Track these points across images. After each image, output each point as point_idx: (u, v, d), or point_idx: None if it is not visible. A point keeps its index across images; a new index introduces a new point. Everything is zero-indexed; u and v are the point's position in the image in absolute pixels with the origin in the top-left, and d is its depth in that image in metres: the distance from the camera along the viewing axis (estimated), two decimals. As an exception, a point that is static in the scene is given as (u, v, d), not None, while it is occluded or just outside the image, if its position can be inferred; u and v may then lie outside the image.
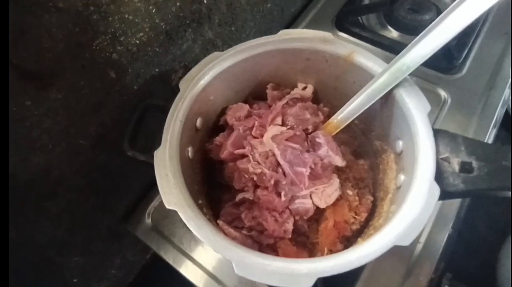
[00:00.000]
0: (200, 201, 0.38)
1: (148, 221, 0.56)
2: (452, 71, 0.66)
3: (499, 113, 0.62)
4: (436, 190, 0.30)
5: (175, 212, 0.31)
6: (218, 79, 0.42)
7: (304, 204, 0.39)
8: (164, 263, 0.52)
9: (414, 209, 0.29)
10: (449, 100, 0.63)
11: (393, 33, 0.75)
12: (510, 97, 0.66)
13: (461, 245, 0.57)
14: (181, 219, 0.31)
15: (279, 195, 0.40)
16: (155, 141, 0.38)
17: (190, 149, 0.40)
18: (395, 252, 0.29)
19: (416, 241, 0.48)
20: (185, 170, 0.36)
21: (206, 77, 0.40)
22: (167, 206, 0.31)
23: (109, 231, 0.57)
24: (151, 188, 0.58)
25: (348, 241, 0.42)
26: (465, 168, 0.32)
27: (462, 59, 0.67)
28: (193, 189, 0.37)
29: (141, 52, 0.45)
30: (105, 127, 0.46)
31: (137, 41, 0.44)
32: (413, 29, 0.72)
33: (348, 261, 0.28)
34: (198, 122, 0.42)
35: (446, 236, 0.51)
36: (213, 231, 0.31)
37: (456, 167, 0.32)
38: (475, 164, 0.32)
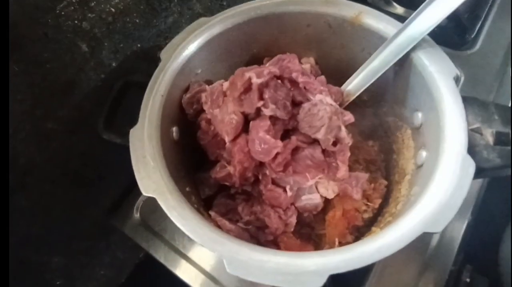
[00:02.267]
0: (187, 189, 0.33)
1: (137, 215, 0.51)
2: (464, 47, 0.61)
3: (518, 90, 0.57)
4: (471, 165, 0.25)
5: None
6: (205, 49, 0.36)
7: (311, 200, 0.34)
8: (160, 262, 0.48)
9: (445, 189, 0.24)
10: (462, 78, 0.58)
11: (398, 9, 0.69)
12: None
13: (477, 234, 0.52)
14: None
15: (283, 189, 0.34)
16: (135, 122, 0.33)
17: (175, 129, 0.35)
18: (409, 243, 0.24)
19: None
20: (168, 152, 0.31)
21: (191, 46, 0.35)
22: (144, 193, 0.26)
23: (95, 227, 0.52)
24: (140, 178, 0.53)
25: (359, 231, 0.37)
26: (501, 139, 0.27)
27: (475, 33, 0.61)
28: (178, 174, 0.32)
29: (118, 22, 0.40)
30: (81, 109, 0.41)
31: (112, 9, 0.38)
32: (420, 4, 0.66)
33: (367, 254, 0.22)
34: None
35: (465, 224, 0.47)
36: (200, 222, 0.25)
37: (490, 139, 0.27)
38: (513, 135, 0.27)
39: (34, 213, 0.40)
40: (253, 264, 0.23)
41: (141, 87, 0.35)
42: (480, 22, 0.61)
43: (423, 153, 0.31)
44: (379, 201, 0.36)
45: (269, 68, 0.32)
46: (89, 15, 0.36)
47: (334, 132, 0.32)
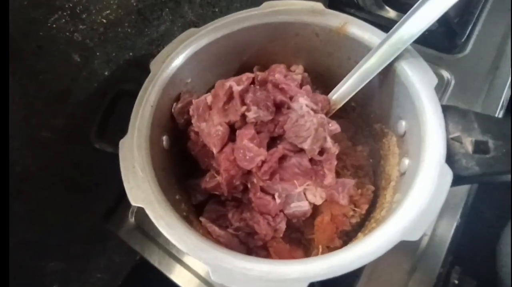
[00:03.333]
0: (177, 197, 0.34)
1: (132, 220, 0.52)
2: (454, 51, 0.61)
3: (506, 93, 0.58)
4: (448, 174, 0.26)
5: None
6: (195, 59, 0.37)
7: (300, 207, 0.35)
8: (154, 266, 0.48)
9: (422, 197, 0.25)
10: (453, 81, 0.59)
11: (390, 13, 0.70)
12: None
13: (467, 236, 0.53)
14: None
15: (272, 196, 0.35)
16: (127, 130, 0.33)
17: (165, 138, 0.36)
18: (398, 245, 0.25)
19: (422, 232, 0.44)
20: (159, 161, 0.32)
21: (181, 57, 0.36)
22: (133, 203, 0.27)
23: (91, 232, 0.53)
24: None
25: (347, 236, 0.38)
26: (480, 148, 0.27)
27: (465, 37, 0.62)
28: (169, 182, 0.33)
29: (110, 33, 0.40)
30: (75, 118, 0.41)
31: (104, 20, 0.39)
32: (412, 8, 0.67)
33: (346, 262, 0.23)
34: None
35: (454, 226, 0.47)
36: (187, 231, 0.26)
37: (469, 148, 0.28)
38: (491, 143, 0.28)
39: (31, 219, 0.41)
40: (237, 271, 0.23)
41: (133, 96, 0.36)
42: (470, 27, 0.62)
43: (406, 161, 0.32)
44: (366, 206, 0.37)
45: (247, 74, 0.33)
46: (81, 26, 0.36)
47: (319, 142, 0.33)
